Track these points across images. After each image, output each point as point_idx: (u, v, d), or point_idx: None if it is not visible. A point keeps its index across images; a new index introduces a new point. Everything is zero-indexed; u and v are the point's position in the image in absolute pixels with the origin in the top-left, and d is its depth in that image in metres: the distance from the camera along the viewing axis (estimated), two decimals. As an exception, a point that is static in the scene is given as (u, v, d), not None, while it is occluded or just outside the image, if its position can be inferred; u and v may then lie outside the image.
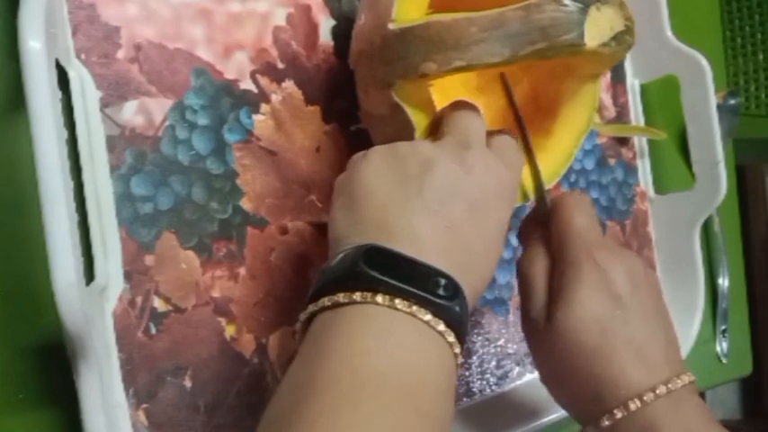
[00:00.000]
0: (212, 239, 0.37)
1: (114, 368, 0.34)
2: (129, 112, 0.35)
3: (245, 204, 0.38)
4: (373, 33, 0.35)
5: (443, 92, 0.39)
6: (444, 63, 0.32)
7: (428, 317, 0.27)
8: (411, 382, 0.25)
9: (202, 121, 0.37)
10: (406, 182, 0.30)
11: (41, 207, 0.27)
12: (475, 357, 0.48)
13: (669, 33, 0.55)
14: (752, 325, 0.71)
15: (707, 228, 0.66)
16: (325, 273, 0.28)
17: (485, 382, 0.48)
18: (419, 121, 0.35)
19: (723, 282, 0.66)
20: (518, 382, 0.50)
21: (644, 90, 0.59)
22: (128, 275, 0.35)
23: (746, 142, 0.76)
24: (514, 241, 0.51)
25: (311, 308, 0.28)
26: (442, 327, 0.27)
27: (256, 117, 0.39)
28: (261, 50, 0.39)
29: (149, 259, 0.35)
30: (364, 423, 0.23)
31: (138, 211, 0.35)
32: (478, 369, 0.48)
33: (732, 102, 0.66)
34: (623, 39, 0.34)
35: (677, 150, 0.60)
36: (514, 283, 0.50)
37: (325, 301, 0.27)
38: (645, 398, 0.33)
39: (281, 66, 0.40)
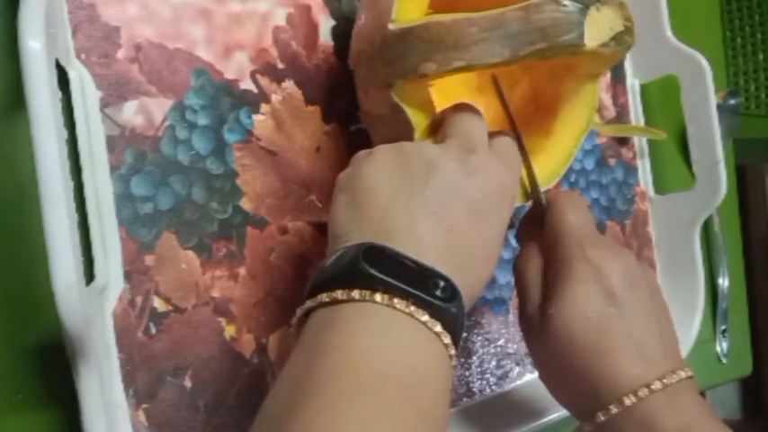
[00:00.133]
0: (212, 239, 0.37)
1: (114, 368, 0.34)
2: (129, 112, 0.35)
3: (245, 204, 0.38)
4: (373, 34, 0.35)
5: (443, 92, 0.39)
6: (444, 63, 0.32)
7: (425, 317, 0.27)
8: (411, 381, 0.25)
9: (202, 121, 0.37)
10: (410, 182, 0.30)
11: (41, 207, 0.27)
12: (475, 357, 0.48)
13: (669, 33, 0.55)
14: (752, 325, 0.71)
15: (707, 228, 0.66)
16: (324, 269, 0.28)
17: (485, 382, 0.48)
18: (419, 121, 0.36)
19: (723, 282, 0.66)
20: (518, 382, 0.50)
21: (644, 90, 0.59)
22: (128, 275, 0.35)
23: (746, 142, 0.75)
24: (514, 241, 0.51)
25: (309, 303, 0.28)
26: (438, 328, 0.27)
27: (256, 117, 0.39)
28: (261, 50, 0.39)
29: (149, 259, 0.35)
30: (365, 421, 0.23)
31: (138, 211, 0.35)
32: (478, 369, 0.48)
33: (732, 102, 0.66)
34: (623, 39, 0.34)
35: (677, 150, 0.60)
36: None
37: (324, 297, 0.27)
38: (639, 393, 0.33)
39: (281, 66, 0.40)
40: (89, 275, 0.32)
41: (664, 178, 0.60)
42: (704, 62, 0.53)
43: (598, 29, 0.33)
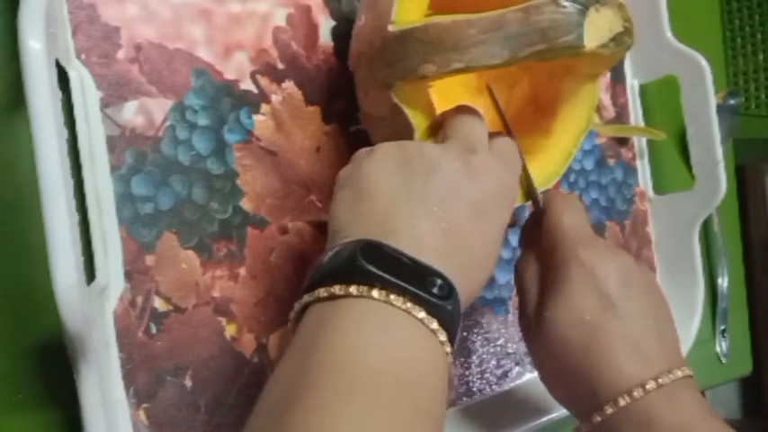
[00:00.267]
0: (212, 239, 0.37)
1: (114, 368, 0.34)
2: (130, 113, 0.35)
3: (246, 204, 0.38)
4: (373, 35, 0.35)
5: (443, 93, 0.39)
6: (444, 65, 0.33)
7: (422, 314, 0.27)
8: (407, 378, 0.26)
9: (203, 121, 0.37)
10: (410, 181, 0.30)
11: (41, 207, 0.27)
12: (475, 357, 0.48)
13: (669, 34, 0.55)
14: (752, 325, 0.71)
15: (707, 228, 0.66)
16: (322, 265, 0.29)
17: (485, 382, 0.48)
18: (419, 122, 0.36)
19: (723, 282, 0.66)
20: (518, 382, 0.50)
21: (644, 90, 0.59)
22: (128, 275, 0.35)
23: (746, 142, 0.75)
24: (514, 241, 0.51)
25: (306, 298, 0.28)
26: (435, 325, 0.27)
27: (256, 117, 0.39)
28: (261, 51, 0.39)
29: (150, 259, 0.35)
30: (361, 418, 0.23)
31: (139, 211, 0.35)
32: (478, 369, 0.48)
33: (732, 102, 0.66)
34: (622, 40, 0.34)
35: (677, 150, 0.60)
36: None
37: (321, 292, 0.27)
38: (634, 393, 0.33)
39: (281, 66, 0.40)
40: (89, 275, 0.32)
41: (663, 178, 0.60)
42: (704, 62, 0.53)
43: (597, 30, 0.33)
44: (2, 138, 0.33)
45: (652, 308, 0.36)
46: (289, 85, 0.40)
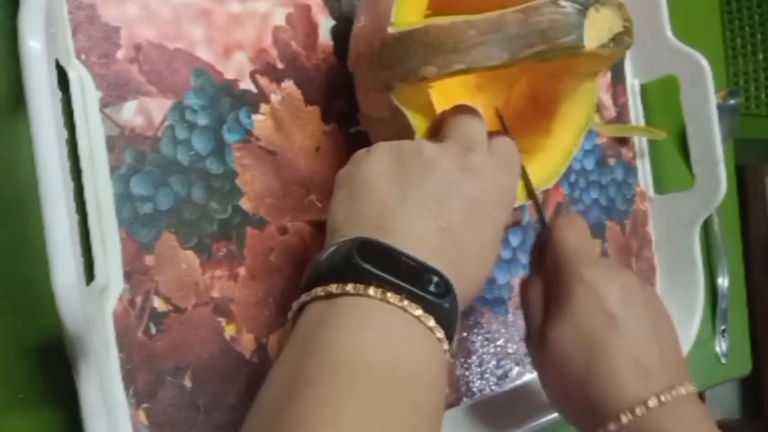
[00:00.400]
0: (212, 239, 0.37)
1: (114, 368, 0.34)
2: (129, 113, 0.35)
3: (245, 204, 0.38)
4: (372, 37, 0.35)
5: (443, 92, 0.39)
6: (444, 66, 0.33)
7: (419, 312, 0.27)
8: (404, 374, 0.26)
9: (202, 121, 0.37)
10: (407, 179, 0.30)
11: (41, 207, 0.27)
12: (475, 357, 0.48)
13: (669, 33, 0.55)
14: (751, 325, 0.71)
15: (707, 228, 0.66)
16: (319, 263, 0.29)
17: (485, 382, 0.48)
18: (419, 124, 0.36)
19: (723, 282, 0.66)
20: (518, 382, 0.50)
21: (644, 90, 0.59)
22: (128, 275, 0.35)
23: (746, 142, 0.75)
24: (514, 241, 0.51)
25: (304, 297, 0.28)
26: (432, 323, 0.27)
27: (256, 117, 0.39)
28: (260, 50, 0.39)
29: (149, 259, 0.35)
30: (359, 413, 0.24)
31: (138, 212, 0.35)
32: (478, 369, 0.48)
33: (732, 102, 0.66)
34: (622, 39, 0.34)
35: (677, 150, 0.60)
36: (514, 283, 0.50)
37: (318, 290, 0.27)
38: (637, 410, 0.33)
39: (280, 66, 0.40)
40: (89, 276, 0.32)
41: (664, 178, 0.60)
42: (704, 62, 0.53)
43: (597, 30, 0.33)
44: (2, 138, 0.33)
45: (655, 326, 0.36)
46: (288, 84, 0.40)
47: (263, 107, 0.39)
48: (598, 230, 0.56)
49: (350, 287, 0.27)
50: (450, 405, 0.46)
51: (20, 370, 0.33)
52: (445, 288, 0.28)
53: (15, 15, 0.28)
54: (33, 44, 0.27)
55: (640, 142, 0.60)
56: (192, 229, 0.37)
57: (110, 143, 0.34)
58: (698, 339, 0.56)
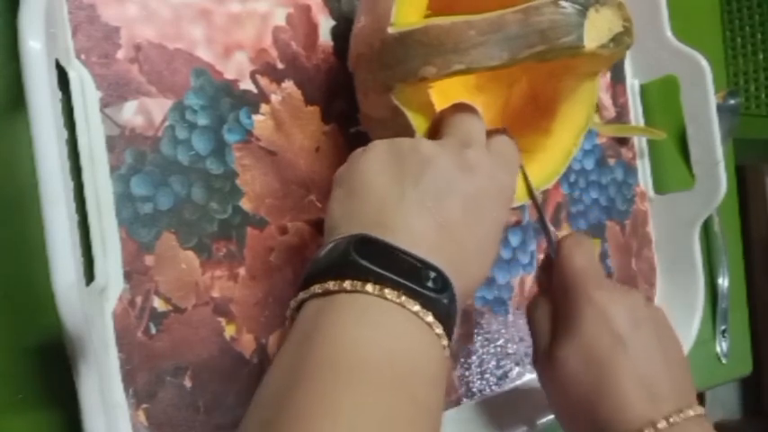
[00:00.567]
0: (212, 239, 0.37)
1: (114, 368, 0.34)
2: (129, 113, 0.35)
3: (245, 204, 0.38)
4: (372, 37, 0.35)
5: (443, 92, 0.39)
6: (444, 67, 0.32)
7: (416, 307, 0.27)
8: (403, 368, 0.26)
9: (202, 121, 0.37)
10: (404, 177, 0.30)
11: (41, 207, 0.27)
12: (475, 357, 0.48)
13: (669, 33, 0.55)
14: (752, 325, 0.71)
15: (707, 228, 0.66)
16: (317, 260, 0.29)
17: (485, 382, 0.48)
18: (419, 124, 0.36)
19: (723, 282, 0.66)
20: (518, 382, 0.50)
21: (644, 90, 0.59)
22: (128, 275, 0.35)
23: (746, 142, 0.75)
24: (514, 241, 0.51)
25: (302, 295, 0.28)
26: (430, 318, 0.27)
27: (256, 117, 0.39)
28: (261, 51, 0.39)
29: (149, 259, 0.35)
30: (358, 407, 0.24)
31: (138, 212, 0.35)
32: (478, 369, 0.48)
33: (732, 102, 0.66)
34: (622, 40, 0.34)
35: (677, 150, 0.60)
36: (514, 283, 0.50)
37: (316, 288, 0.27)
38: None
39: (280, 66, 0.40)
40: (89, 276, 0.32)
41: (664, 178, 0.60)
42: (704, 62, 0.53)
43: (597, 30, 0.33)
44: (1, 137, 0.33)
45: (663, 347, 0.37)
46: (288, 84, 0.40)
47: (264, 107, 0.39)
48: (598, 230, 0.56)
49: (347, 284, 0.27)
50: (450, 405, 0.46)
51: (19, 370, 0.33)
52: (443, 284, 0.28)
53: (15, 15, 0.28)
54: (33, 44, 0.27)
55: (640, 142, 0.60)
56: (192, 229, 0.37)
57: (110, 143, 0.34)
58: (698, 339, 0.56)
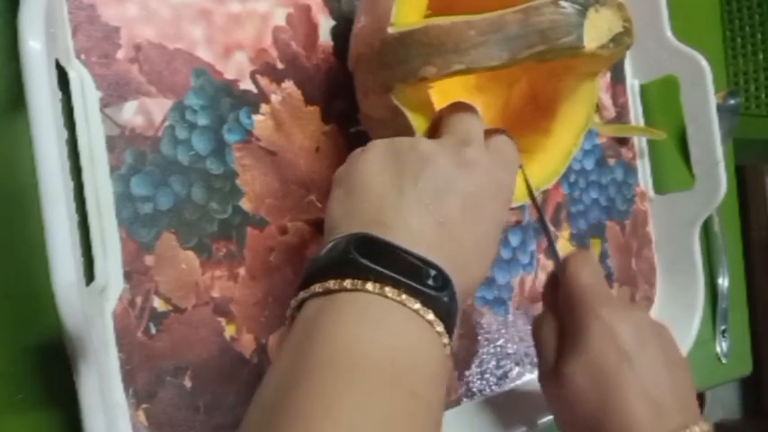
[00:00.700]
0: (212, 239, 0.37)
1: (114, 368, 0.34)
2: (129, 113, 0.35)
3: (245, 204, 0.38)
4: (372, 37, 0.35)
5: (442, 92, 0.39)
6: (444, 67, 0.32)
7: (417, 306, 0.27)
8: (404, 366, 0.26)
9: (202, 121, 0.37)
10: (403, 175, 0.30)
11: (41, 207, 0.27)
12: (475, 357, 0.48)
13: (669, 33, 0.55)
14: (752, 325, 0.71)
15: (707, 228, 0.66)
16: (317, 260, 0.29)
17: (485, 382, 0.48)
18: (419, 124, 0.36)
19: (723, 282, 0.66)
20: (517, 382, 0.50)
21: (644, 90, 0.59)
22: (128, 275, 0.35)
23: (746, 142, 0.75)
24: (514, 241, 0.51)
25: (302, 294, 0.28)
26: (431, 316, 0.27)
27: (256, 117, 0.39)
28: (261, 51, 0.39)
29: (149, 259, 0.35)
30: (360, 404, 0.24)
31: (138, 212, 0.35)
32: (478, 369, 0.48)
33: (732, 102, 0.66)
34: (622, 40, 0.34)
35: (677, 150, 0.60)
36: (514, 283, 0.50)
37: (316, 287, 0.27)
38: None
39: (280, 66, 0.40)
40: (89, 275, 0.32)
41: (663, 178, 0.60)
42: (704, 62, 0.53)
43: (597, 30, 0.33)
44: (2, 138, 0.33)
45: (668, 364, 0.37)
46: (288, 84, 0.40)
47: (264, 107, 0.39)
48: (598, 230, 0.56)
49: (348, 283, 0.27)
50: (450, 405, 0.46)
51: (19, 370, 0.33)
52: (443, 281, 0.28)
53: (15, 15, 0.28)
54: (33, 44, 0.27)
55: (640, 142, 0.59)
56: (192, 229, 0.37)
57: (110, 143, 0.34)
58: (698, 339, 0.56)
